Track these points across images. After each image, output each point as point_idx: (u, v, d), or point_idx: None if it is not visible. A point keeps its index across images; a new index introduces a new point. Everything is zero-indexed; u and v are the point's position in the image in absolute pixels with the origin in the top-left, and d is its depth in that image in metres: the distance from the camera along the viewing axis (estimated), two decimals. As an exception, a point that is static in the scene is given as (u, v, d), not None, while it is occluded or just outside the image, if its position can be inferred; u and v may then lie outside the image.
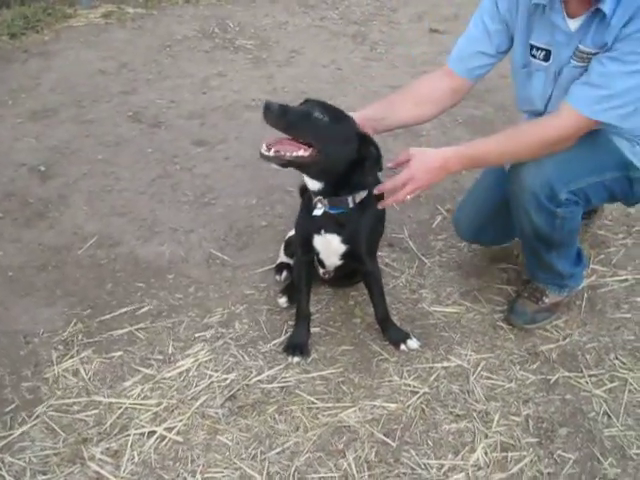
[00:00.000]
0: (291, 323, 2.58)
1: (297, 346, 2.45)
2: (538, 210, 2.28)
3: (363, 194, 2.23)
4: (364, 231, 2.31)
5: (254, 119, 4.20)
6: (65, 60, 5.08)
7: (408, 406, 2.26)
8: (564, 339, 2.54)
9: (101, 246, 3.08)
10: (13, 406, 2.29)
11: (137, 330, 2.60)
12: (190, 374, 2.40)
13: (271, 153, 2.03)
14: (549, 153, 2.21)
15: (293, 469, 2.06)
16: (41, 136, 4.03)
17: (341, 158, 2.14)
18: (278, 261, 2.86)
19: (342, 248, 2.31)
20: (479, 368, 2.41)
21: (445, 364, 2.43)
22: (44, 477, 2.04)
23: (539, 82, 2.36)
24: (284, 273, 2.80)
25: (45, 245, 3.09)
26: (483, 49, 2.42)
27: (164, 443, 2.15)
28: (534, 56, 2.34)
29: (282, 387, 2.34)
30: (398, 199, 2.18)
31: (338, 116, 2.14)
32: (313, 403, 2.27)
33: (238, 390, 2.33)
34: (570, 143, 2.20)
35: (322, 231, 2.29)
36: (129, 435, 2.18)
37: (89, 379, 2.39)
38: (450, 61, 2.49)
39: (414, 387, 2.33)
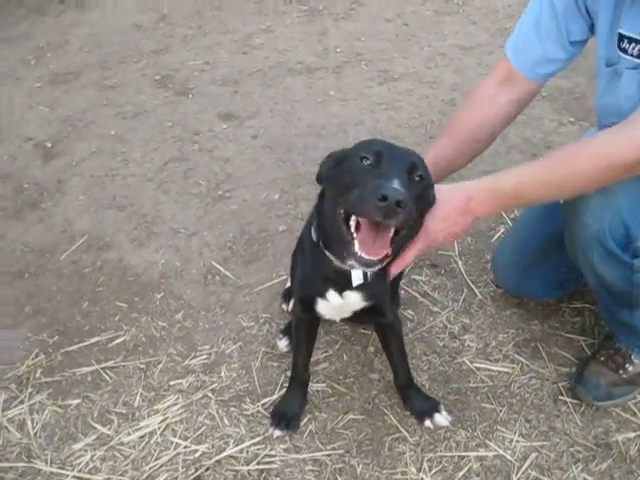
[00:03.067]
0: (290, 375, 2.04)
1: (284, 416, 1.90)
2: (605, 260, 1.63)
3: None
4: (390, 282, 1.70)
5: (295, 87, 3.59)
6: (101, 12, 4.58)
7: (421, 518, 1.69)
8: (651, 425, 1.87)
9: (89, 249, 2.61)
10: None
11: (104, 370, 2.13)
12: (153, 440, 1.91)
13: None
14: (617, 181, 1.49)
15: None
16: (56, 104, 3.59)
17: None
18: (287, 285, 2.30)
19: (361, 305, 1.69)
20: (527, 464, 1.79)
21: (481, 452, 1.82)
22: None
23: (631, 86, 1.62)
24: (292, 302, 2.24)
25: (29, 245, 2.65)
26: (552, 36, 1.71)
27: (101, 542, 1.69)
28: (624, 50, 1.61)
29: (261, 471, 1.81)
30: (406, 262, 1.56)
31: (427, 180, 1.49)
32: (296, 501, 1.73)
33: (207, 470, 1.82)
34: None
35: (334, 290, 1.64)
36: (62, 525, 1.73)
37: (35, 435, 1.95)
38: (511, 53, 1.80)
39: (434, 487, 1.75)
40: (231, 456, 1.85)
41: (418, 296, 2.30)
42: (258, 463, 1.82)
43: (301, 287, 1.77)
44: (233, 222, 2.69)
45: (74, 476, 1.83)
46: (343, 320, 1.83)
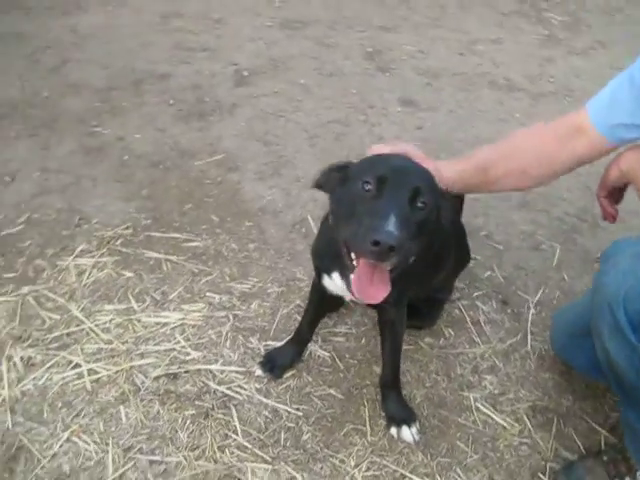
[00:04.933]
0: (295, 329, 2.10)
1: (272, 362, 1.96)
2: (613, 334, 1.43)
3: None
4: (397, 285, 1.52)
5: (487, 99, 3.53)
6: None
7: (329, 506, 1.67)
8: None
9: (220, 165, 2.86)
10: (11, 275, 2.24)
11: (167, 260, 2.35)
12: (162, 330, 2.09)
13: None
14: None
15: (145, 491, 1.67)
16: (273, 44, 3.91)
17: None
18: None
19: None
20: (461, 515, 1.67)
21: (425, 482, 1.73)
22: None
23: None
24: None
25: (178, 145, 2.98)
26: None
27: (75, 382, 1.91)
28: None
29: (225, 395, 1.90)
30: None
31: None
32: (234, 432, 1.80)
33: (186, 372, 1.96)
34: None
35: (339, 272, 1.61)
36: (56, 356, 1.98)
37: (84, 285, 2.23)
38: (592, 110, 1.64)
39: (360, 487, 1.71)
40: (211, 371, 1.96)
41: (469, 321, 2.20)
42: (227, 388, 1.92)
43: (314, 257, 1.78)
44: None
45: (89, 327, 2.07)
46: (352, 301, 1.84)
